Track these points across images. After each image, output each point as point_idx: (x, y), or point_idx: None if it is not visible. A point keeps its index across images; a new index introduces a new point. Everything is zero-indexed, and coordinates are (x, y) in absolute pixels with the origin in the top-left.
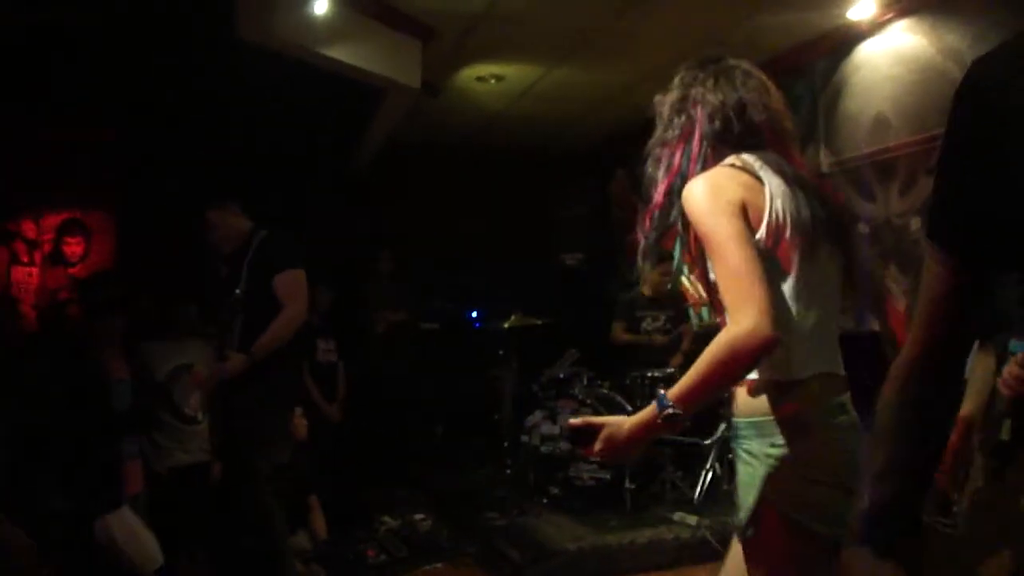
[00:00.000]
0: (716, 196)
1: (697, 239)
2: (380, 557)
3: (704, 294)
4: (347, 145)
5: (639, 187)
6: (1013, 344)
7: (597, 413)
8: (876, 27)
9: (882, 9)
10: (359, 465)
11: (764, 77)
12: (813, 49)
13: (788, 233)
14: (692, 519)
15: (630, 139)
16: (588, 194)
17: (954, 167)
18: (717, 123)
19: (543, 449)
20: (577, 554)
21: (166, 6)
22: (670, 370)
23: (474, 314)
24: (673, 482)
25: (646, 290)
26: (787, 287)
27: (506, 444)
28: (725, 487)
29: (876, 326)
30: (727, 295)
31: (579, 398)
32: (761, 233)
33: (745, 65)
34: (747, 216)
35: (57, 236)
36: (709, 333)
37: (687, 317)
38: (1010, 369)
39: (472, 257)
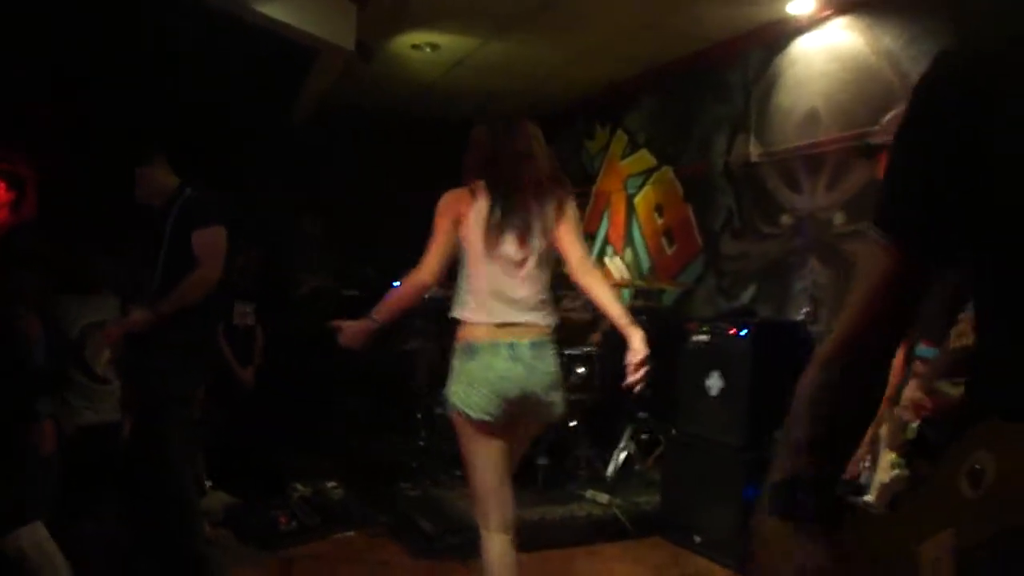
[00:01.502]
0: (442, 204)
1: (622, 223)
2: (291, 524)
3: (627, 275)
4: (278, 106)
5: (567, 168)
6: (920, 348)
7: None
8: (813, 23)
9: (820, 5)
10: (273, 431)
11: (533, 131)
12: (750, 40)
13: (476, 231)
14: (604, 497)
15: (562, 114)
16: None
17: (915, 159)
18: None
19: None
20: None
21: None
22: (588, 348)
23: (396, 284)
24: (587, 459)
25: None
26: (472, 264)
27: (420, 416)
28: (638, 467)
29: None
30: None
31: None
32: (462, 229)
33: (525, 124)
34: (455, 217)
35: None
36: (629, 313)
37: None
38: (911, 395)
39: (399, 226)
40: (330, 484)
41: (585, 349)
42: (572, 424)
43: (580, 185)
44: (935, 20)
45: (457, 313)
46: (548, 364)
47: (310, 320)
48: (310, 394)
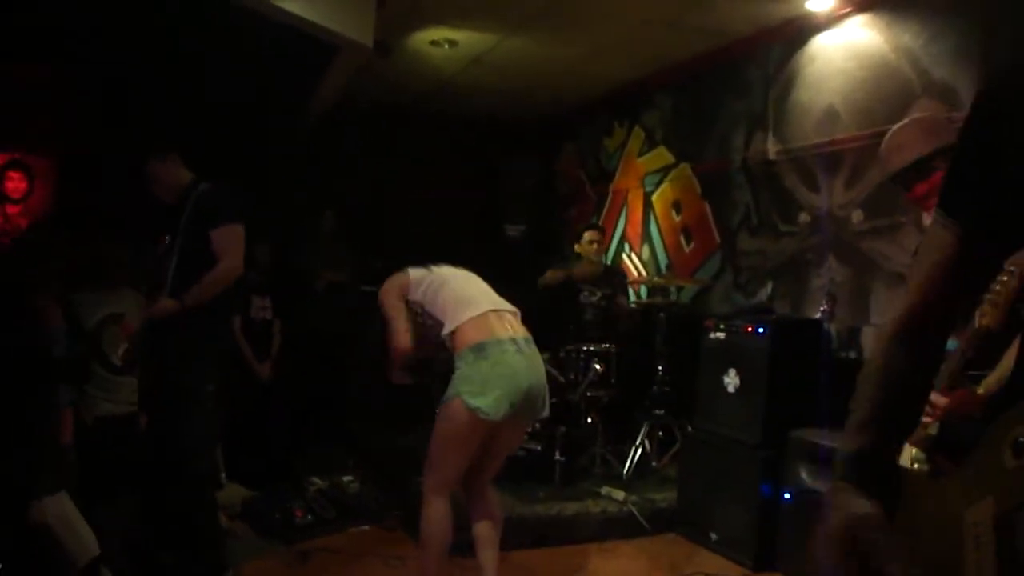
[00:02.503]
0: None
1: (639, 221)
2: (307, 517)
3: (644, 272)
4: (296, 101)
5: (586, 163)
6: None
7: None
8: (833, 20)
9: (840, 3)
10: (290, 425)
11: None
12: (769, 37)
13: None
14: (619, 494)
15: (580, 114)
16: (535, 166)
17: (976, 148)
18: None
19: None
20: (504, 524)
21: None
22: (606, 345)
23: None
24: (603, 456)
25: (585, 265)
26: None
27: (436, 410)
28: (654, 464)
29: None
30: None
31: None
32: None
33: None
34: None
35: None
36: (647, 310)
37: (627, 294)
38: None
39: (416, 222)
40: (346, 478)
41: (603, 345)
42: (589, 421)
43: (598, 182)
44: (954, 18)
45: (448, 330)
46: (540, 358)
47: (327, 315)
48: (327, 388)
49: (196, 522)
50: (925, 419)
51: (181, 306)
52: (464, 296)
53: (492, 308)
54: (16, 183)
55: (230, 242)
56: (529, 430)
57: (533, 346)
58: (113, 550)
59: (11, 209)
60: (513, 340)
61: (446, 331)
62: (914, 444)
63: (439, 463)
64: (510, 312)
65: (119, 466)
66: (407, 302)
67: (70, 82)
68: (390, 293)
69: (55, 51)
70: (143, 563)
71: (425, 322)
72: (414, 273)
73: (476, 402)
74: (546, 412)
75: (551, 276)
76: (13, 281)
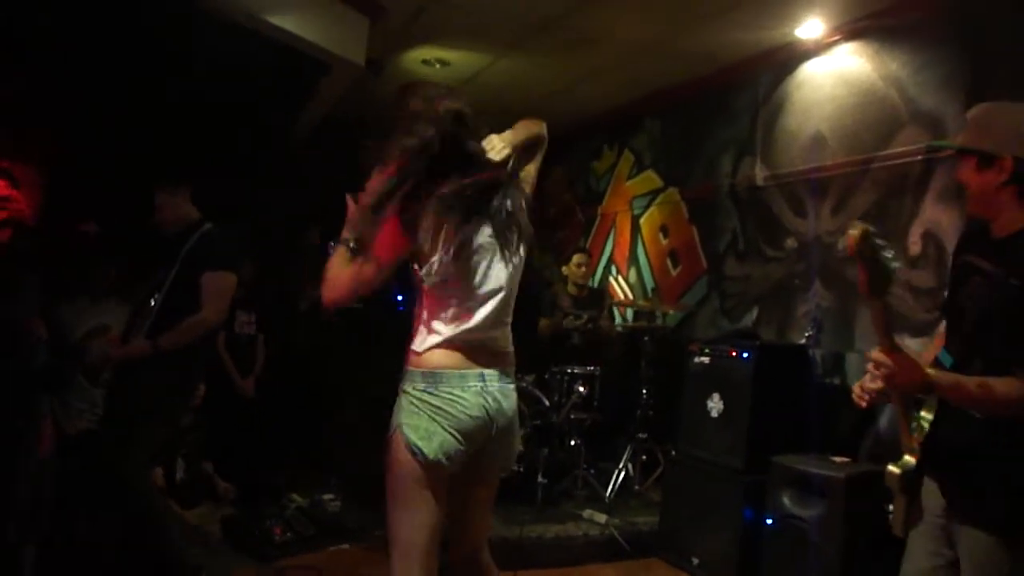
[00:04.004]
0: None
1: (627, 243)
2: (287, 535)
3: (631, 295)
4: (286, 117)
5: (575, 185)
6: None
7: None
8: (822, 47)
9: (829, 31)
10: (271, 442)
11: None
12: (758, 64)
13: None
14: (601, 517)
15: (570, 136)
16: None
17: None
18: None
19: None
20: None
21: None
22: (590, 367)
23: (399, 297)
24: (586, 479)
25: (571, 288)
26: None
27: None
28: (637, 487)
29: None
30: None
31: None
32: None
33: None
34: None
35: None
36: (632, 333)
37: (612, 317)
38: (878, 355)
39: None
40: (327, 496)
41: (588, 368)
42: (572, 443)
43: (586, 205)
44: (941, 47)
45: (419, 344)
46: (513, 403)
47: (312, 331)
48: (310, 405)
49: (148, 545)
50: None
51: (154, 350)
52: (467, 309)
53: (479, 337)
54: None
55: (217, 290)
56: None
57: (507, 382)
58: (95, 562)
59: None
60: (481, 375)
61: (418, 343)
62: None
63: (395, 523)
64: (500, 349)
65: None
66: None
67: (58, 92)
68: (386, 243)
69: (42, 61)
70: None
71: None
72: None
73: (418, 442)
74: (512, 466)
75: (545, 327)
76: None
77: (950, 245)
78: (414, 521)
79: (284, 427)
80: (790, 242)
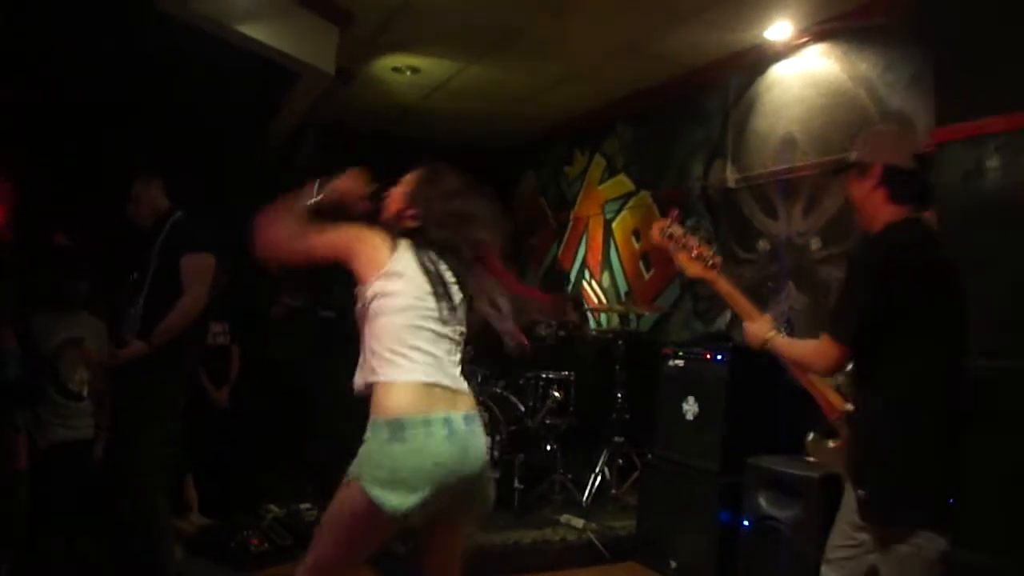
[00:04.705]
0: None
1: (599, 248)
2: (264, 545)
3: (604, 299)
4: (257, 125)
5: (547, 190)
6: None
7: (490, 412)
8: (791, 49)
9: (798, 32)
10: (246, 452)
11: None
12: (727, 66)
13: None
14: (579, 522)
15: (540, 142)
16: (496, 193)
17: None
18: None
19: None
20: (462, 552)
21: None
22: (564, 372)
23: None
24: (562, 484)
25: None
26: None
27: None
28: (613, 491)
29: None
30: None
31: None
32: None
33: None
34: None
35: None
36: (604, 338)
37: (584, 321)
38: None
39: None
40: (304, 506)
41: (562, 373)
42: (548, 448)
43: (559, 210)
44: (910, 47)
45: (375, 377)
46: (481, 441)
47: (285, 341)
48: (286, 415)
49: (148, 552)
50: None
51: (149, 348)
52: (417, 345)
53: (443, 382)
54: None
55: (197, 272)
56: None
57: (475, 424)
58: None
59: None
60: (447, 420)
61: (374, 377)
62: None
63: (324, 557)
64: (461, 389)
65: (74, 493)
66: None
67: (27, 105)
68: (342, 240)
69: (15, 73)
70: None
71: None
72: (392, 259)
73: (380, 495)
74: (487, 510)
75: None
76: None
77: None
78: (350, 559)
79: (260, 437)
80: (762, 244)
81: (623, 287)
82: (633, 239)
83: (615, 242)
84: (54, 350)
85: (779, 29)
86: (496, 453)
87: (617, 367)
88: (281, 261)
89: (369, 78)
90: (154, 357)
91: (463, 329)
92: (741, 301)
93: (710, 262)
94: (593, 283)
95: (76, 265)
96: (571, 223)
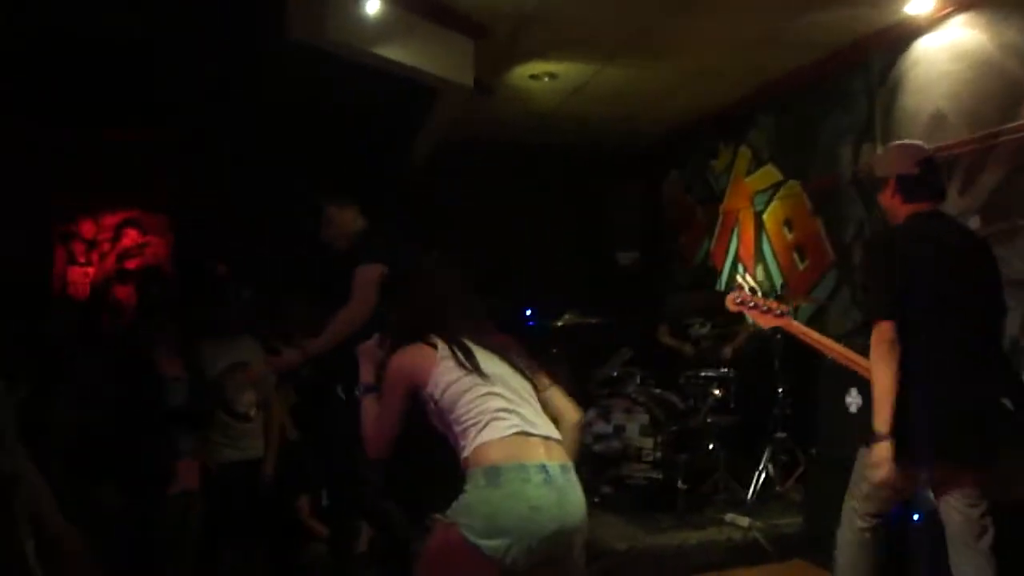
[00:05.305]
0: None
1: (751, 240)
2: None
3: (759, 293)
4: (401, 146)
5: (694, 186)
6: None
7: (650, 413)
8: (934, 22)
9: (940, 4)
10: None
11: None
12: (869, 45)
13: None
14: (744, 520)
15: (684, 138)
16: (642, 193)
17: None
18: None
19: (595, 448)
20: (628, 554)
21: (218, 9)
22: (724, 370)
23: (528, 311)
24: (726, 483)
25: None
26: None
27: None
28: (778, 488)
29: None
30: None
31: (632, 397)
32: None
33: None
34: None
35: (115, 233)
36: (762, 333)
37: (741, 319)
38: None
39: (525, 256)
40: None
41: (721, 371)
42: (710, 447)
43: (707, 205)
44: None
45: (465, 452)
46: (580, 492)
47: None
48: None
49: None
50: None
51: (303, 355)
52: (495, 409)
53: (528, 430)
54: (132, 239)
55: (361, 283)
56: (649, 459)
57: (571, 475)
58: None
59: (129, 264)
60: (542, 467)
61: (462, 452)
62: None
63: None
64: (554, 438)
65: (245, 512)
66: (413, 392)
67: (179, 142)
68: (394, 377)
69: (163, 114)
70: None
71: (430, 419)
72: (444, 360)
73: (479, 541)
74: (582, 565)
75: (664, 333)
76: (127, 335)
77: None
78: None
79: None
80: None
81: (778, 279)
82: (785, 230)
83: (767, 234)
84: (220, 375)
85: (921, 2)
86: (659, 454)
87: (776, 362)
88: (390, 443)
89: (507, 88)
90: (322, 364)
91: (525, 379)
92: (813, 336)
93: (779, 311)
94: (747, 276)
95: (235, 294)
96: (721, 217)
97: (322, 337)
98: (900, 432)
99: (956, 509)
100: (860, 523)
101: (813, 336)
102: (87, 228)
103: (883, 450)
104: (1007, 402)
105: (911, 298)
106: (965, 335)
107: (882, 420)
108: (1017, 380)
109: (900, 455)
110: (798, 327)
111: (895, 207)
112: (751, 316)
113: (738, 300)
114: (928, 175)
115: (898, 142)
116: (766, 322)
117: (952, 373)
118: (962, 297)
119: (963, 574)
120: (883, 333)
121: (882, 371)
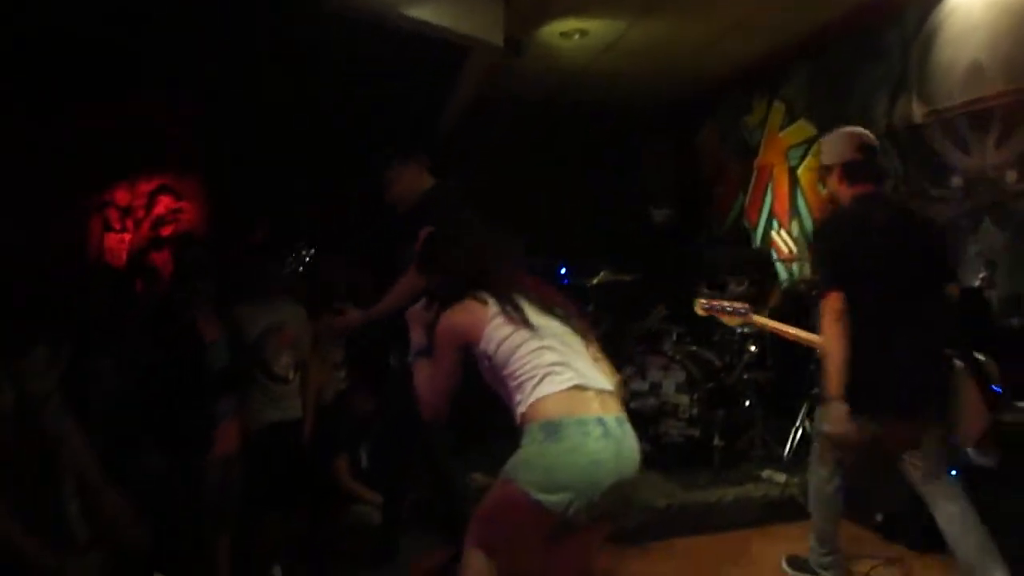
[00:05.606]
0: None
1: (786, 196)
2: None
3: (795, 249)
4: (433, 106)
5: (728, 141)
6: None
7: (686, 370)
8: None
9: None
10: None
11: None
12: None
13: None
14: (780, 477)
15: (716, 92)
16: (674, 151)
17: None
18: None
19: (632, 405)
20: (666, 511)
21: None
22: None
23: (562, 270)
24: (763, 439)
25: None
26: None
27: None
28: (814, 444)
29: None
30: None
31: (668, 354)
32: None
33: None
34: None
35: (149, 200)
36: (797, 289)
37: (775, 276)
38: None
39: (558, 215)
40: None
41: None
42: (747, 403)
43: (741, 160)
44: None
45: (521, 407)
46: (635, 443)
47: None
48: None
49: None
50: None
51: (367, 318)
52: (550, 363)
53: (583, 383)
54: (166, 205)
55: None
56: (686, 416)
57: (627, 427)
58: (281, 556)
59: (164, 230)
60: (600, 420)
61: (518, 407)
62: None
63: (489, 550)
64: (608, 390)
65: (287, 473)
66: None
67: (213, 106)
68: (446, 336)
69: (193, 81)
70: (315, 568)
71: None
72: (496, 316)
73: (539, 495)
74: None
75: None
76: (165, 300)
77: None
78: (515, 558)
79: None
80: (955, 180)
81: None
82: (820, 185)
83: (802, 189)
84: (259, 337)
85: None
86: (695, 411)
87: (812, 317)
88: (446, 404)
89: (538, 46)
90: (382, 329)
91: (575, 332)
92: (772, 325)
93: (743, 310)
94: (783, 232)
95: (273, 256)
96: (755, 172)
97: (384, 300)
98: (851, 394)
99: (913, 465)
100: (821, 473)
101: (772, 325)
102: (122, 195)
103: (837, 411)
104: (957, 362)
105: (856, 273)
106: (904, 301)
107: (834, 385)
108: (959, 338)
109: (852, 414)
110: (761, 321)
111: (842, 191)
112: (721, 319)
113: (706, 306)
114: (869, 160)
115: (841, 129)
116: (733, 322)
117: (892, 337)
118: (901, 268)
119: (943, 509)
120: (832, 302)
121: (832, 339)
